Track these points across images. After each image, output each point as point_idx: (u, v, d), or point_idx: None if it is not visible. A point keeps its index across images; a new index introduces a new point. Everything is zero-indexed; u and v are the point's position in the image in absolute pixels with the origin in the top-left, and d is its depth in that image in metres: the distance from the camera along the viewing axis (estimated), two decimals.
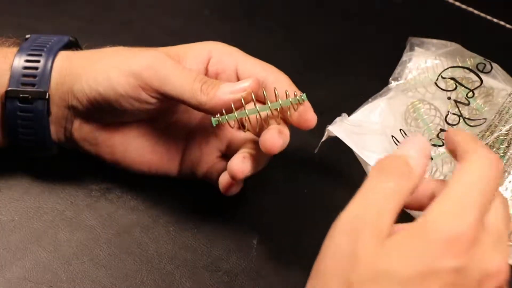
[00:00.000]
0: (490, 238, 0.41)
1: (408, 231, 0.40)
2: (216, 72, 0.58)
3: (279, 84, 0.55)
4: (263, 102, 0.54)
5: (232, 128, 0.54)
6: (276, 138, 0.53)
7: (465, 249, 0.39)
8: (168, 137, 0.58)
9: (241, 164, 0.54)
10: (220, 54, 0.58)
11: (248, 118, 0.54)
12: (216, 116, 0.53)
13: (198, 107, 0.53)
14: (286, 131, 0.54)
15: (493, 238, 0.41)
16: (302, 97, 0.54)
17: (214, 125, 0.53)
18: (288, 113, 0.55)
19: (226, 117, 0.53)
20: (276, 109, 0.54)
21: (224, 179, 0.55)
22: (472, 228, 0.40)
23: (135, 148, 0.58)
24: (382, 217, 0.40)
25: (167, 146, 0.58)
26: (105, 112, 0.55)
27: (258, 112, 0.53)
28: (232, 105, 0.53)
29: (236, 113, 0.53)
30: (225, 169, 0.55)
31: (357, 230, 0.40)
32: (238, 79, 0.57)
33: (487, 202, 0.42)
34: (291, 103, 0.54)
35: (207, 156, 0.58)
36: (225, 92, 0.52)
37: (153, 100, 0.54)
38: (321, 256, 0.41)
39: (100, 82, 0.54)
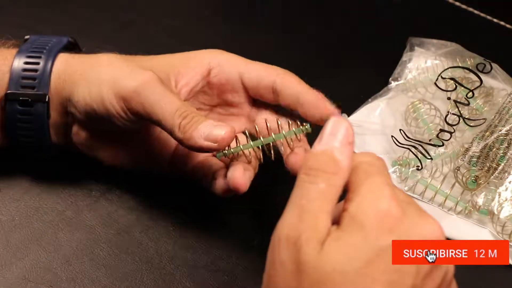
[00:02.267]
0: (412, 208, 0.42)
1: (341, 227, 0.41)
2: (220, 83, 0.58)
3: (288, 87, 0.55)
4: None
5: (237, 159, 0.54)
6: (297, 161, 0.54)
7: (397, 222, 0.40)
8: (160, 141, 0.58)
9: (243, 178, 0.53)
10: (220, 64, 0.57)
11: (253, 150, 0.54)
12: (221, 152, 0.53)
13: (177, 141, 0.53)
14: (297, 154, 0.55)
15: (415, 208, 0.42)
16: (307, 127, 0.54)
17: (219, 158, 0.54)
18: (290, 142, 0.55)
19: (226, 152, 0.53)
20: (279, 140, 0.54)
21: (220, 182, 0.55)
22: (394, 202, 0.41)
23: (129, 152, 0.58)
24: (319, 221, 0.41)
25: (160, 147, 0.58)
26: (100, 123, 0.55)
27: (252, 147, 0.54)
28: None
29: (231, 150, 0.53)
30: (212, 166, 0.56)
31: (296, 241, 0.40)
32: (245, 89, 0.57)
33: (390, 180, 0.43)
34: (295, 133, 0.54)
35: (197, 153, 0.58)
36: (200, 136, 0.51)
37: (142, 122, 0.55)
38: (269, 274, 0.41)
39: (94, 99, 0.54)
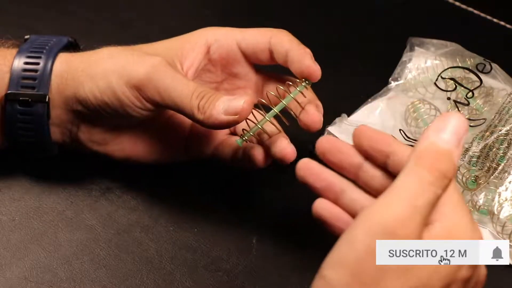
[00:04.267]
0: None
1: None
2: (221, 57, 0.58)
3: (280, 46, 0.56)
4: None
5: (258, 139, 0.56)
6: (315, 114, 0.55)
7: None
8: (173, 125, 0.58)
9: (290, 147, 0.55)
10: (217, 38, 0.58)
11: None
12: (240, 137, 0.54)
13: (198, 123, 0.53)
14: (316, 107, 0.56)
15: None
16: (306, 83, 0.55)
17: (241, 145, 0.55)
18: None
19: (246, 137, 0.54)
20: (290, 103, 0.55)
21: (259, 153, 0.56)
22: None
23: (143, 142, 0.58)
24: (418, 221, 0.41)
25: (173, 134, 0.59)
26: (112, 117, 0.55)
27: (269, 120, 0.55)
28: (246, 121, 0.54)
29: (251, 132, 0.54)
30: (236, 144, 0.56)
31: (396, 235, 0.40)
32: (246, 57, 0.58)
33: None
34: (299, 91, 0.55)
35: (215, 134, 0.58)
36: (219, 112, 0.52)
37: (157, 109, 0.55)
38: (349, 248, 0.41)
39: (104, 92, 0.54)
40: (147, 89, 0.53)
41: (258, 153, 0.56)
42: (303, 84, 0.55)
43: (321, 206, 0.49)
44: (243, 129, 0.55)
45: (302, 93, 0.55)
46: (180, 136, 0.59)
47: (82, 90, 0.55)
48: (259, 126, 0.54)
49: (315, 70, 0.55)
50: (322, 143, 0.50)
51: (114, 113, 0.55)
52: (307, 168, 0.50)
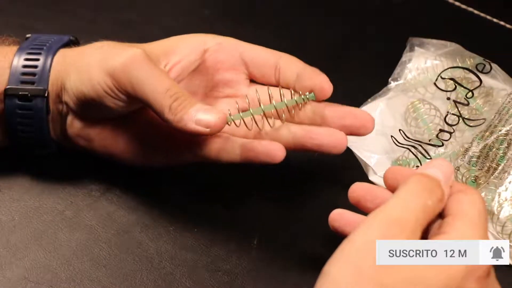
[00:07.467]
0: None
1: None
2: (216, 61, 0.58)
3: (290, 65, 0.57)
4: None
5: (238, 126, 0.54)
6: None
7: None
8: (157, 126, 0.56)
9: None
10: (219, 43, 0.58)
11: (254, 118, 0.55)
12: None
13: (166, 122, 0.52)
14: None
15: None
16: (307, 96, 0.55)
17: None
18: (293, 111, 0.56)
19: (228, 121, 0.53)
20: (283, 108, 0.55)
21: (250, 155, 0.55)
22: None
23: (127, 141, 0.57)
24: (417, 229, 0.42)
25: (155, 134, 0.57)
26: (93, 109, 0.55)
27: (252, 114, 0.54)
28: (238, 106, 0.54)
29: (234, 116, 0.54)
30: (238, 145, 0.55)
31: (394, 234, 0.41)
32: (246, 67, 0.58)
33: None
34: (296, 102, 0.55)
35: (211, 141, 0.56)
36: (190, 119, 0.50)
37: (134, 103, 0.54)
38: (351, 245, 0.42)
39: (84, 82, 0.54)
40: (120, 79, 0.53)
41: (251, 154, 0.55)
42: (302, 96, 0.55)
43: (336, 218, 0.51)
44: (229, 110, 0.54)
45: (298, 105, 0.55)
46: (161, 138, 0.57)
47: (68, 81, 0.55)
48: (240, 116, 0.54)
49: (328, 86, 0.55)
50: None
51: (92, 104, 0.54)
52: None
